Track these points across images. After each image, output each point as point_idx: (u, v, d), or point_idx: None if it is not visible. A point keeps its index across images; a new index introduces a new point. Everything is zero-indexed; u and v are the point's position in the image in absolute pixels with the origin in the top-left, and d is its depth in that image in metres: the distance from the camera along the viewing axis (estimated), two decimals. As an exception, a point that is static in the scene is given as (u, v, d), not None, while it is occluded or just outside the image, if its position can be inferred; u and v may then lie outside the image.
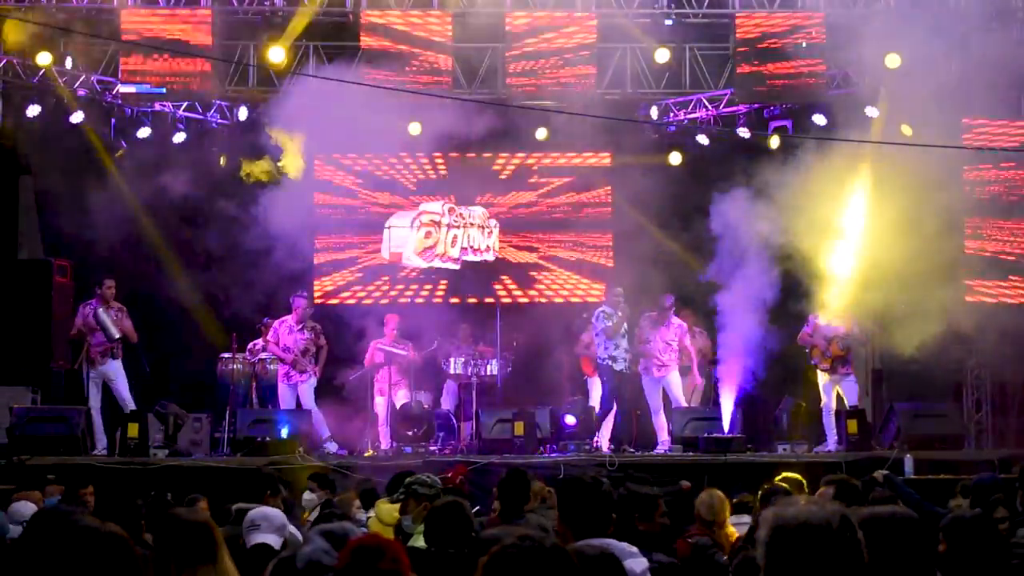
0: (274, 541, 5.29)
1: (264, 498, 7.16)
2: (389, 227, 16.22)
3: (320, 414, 13.54)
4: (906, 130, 13.86)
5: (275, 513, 5.58)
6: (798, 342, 13.72)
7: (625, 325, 13.58)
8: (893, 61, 13.78)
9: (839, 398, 13.58)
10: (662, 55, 14.90)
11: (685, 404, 13.89)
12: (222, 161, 15.54)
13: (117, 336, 13.11)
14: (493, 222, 16.38)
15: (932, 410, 13.21)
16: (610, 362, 13.43)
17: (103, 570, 2.62)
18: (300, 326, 13.72)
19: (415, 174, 16.41)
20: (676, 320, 14.04)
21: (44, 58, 14.23)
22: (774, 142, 14.78)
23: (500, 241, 16.38)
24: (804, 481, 8.12)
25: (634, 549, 4.34)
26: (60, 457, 11.91)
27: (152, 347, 13.76)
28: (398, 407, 13.81)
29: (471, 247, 16.33)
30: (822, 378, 13.68)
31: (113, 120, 15.19)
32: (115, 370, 13.32)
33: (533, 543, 2.74)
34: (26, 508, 7.79)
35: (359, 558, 3.20)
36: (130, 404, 13.18)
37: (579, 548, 3.68)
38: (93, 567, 2.61)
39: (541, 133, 15.40)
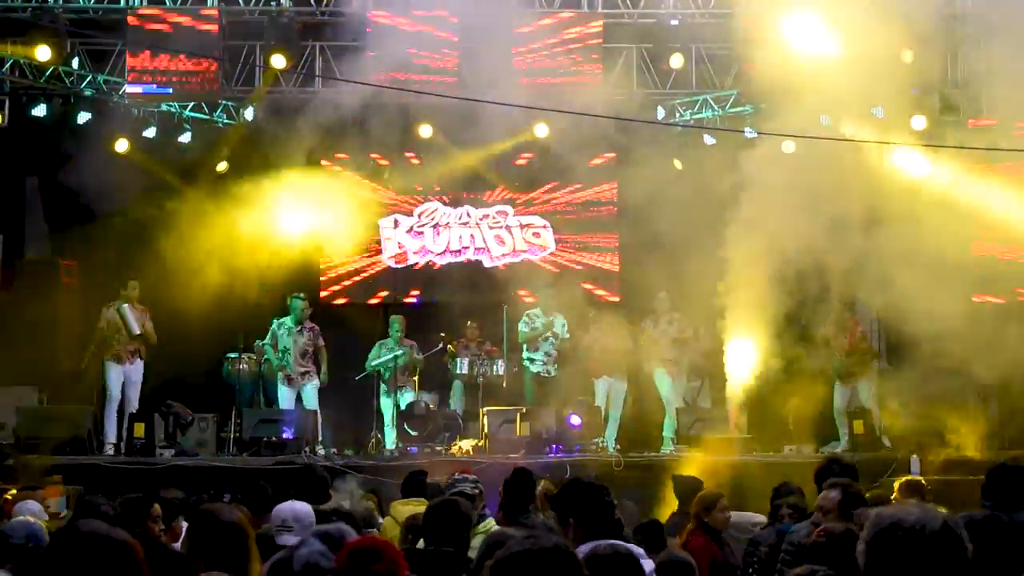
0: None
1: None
2: (393, 226, 16.26)
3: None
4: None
5: (306, 512, 5.56)
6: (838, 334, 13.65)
7: (549, 333, 13.91)
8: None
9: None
10: (676, 61, 14.88)
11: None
12: (225, 162, 15.55)
13: (137, 332, 13.16)
14: (498, 220, 16.41)
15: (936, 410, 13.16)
16: (528, 363, 13.71)
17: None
18: (299, 327, 13.69)
19: (417, 173, 16.39)
20: (676, 315, 14.13)
21: (48, 57, 14.23)
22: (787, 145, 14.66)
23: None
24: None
25: (640, 551, 4.34)
26: (66, 457, 11.91)
27: (158, 346, 13.75)
28: (403, 407, 13.78)
29: (477, 247, 16.38)
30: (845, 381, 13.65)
31: (119, 120, 15.17)
32: (137, 371, 13.39)
33: (537, 544, 2.72)
34: (31, 508, 7.79)
35: (356, 560, 3.20)
36: (135, 406, 13.19)
37: (595, 548, 3.68)
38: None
39: (543, 130, 15.32)
